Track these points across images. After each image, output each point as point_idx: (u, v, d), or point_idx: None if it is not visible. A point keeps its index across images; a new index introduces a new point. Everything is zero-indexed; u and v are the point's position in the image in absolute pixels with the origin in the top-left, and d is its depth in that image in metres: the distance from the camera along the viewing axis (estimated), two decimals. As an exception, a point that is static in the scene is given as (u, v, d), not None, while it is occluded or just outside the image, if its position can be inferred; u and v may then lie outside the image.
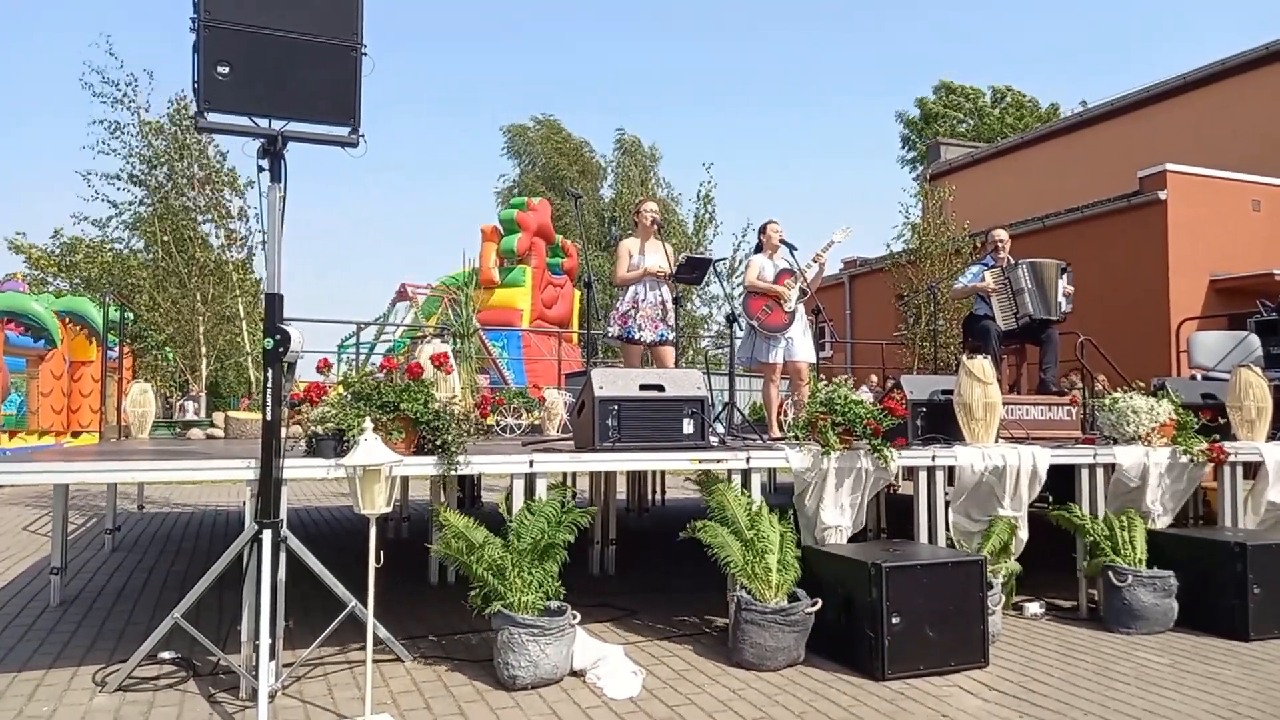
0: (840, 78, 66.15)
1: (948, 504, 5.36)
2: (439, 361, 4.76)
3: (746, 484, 4.88)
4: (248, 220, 17.65)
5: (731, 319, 6.84)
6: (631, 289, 6.57)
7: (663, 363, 6.58)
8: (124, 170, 17.20)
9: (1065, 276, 7.58)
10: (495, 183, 35.13)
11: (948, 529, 5.31)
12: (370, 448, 3.60)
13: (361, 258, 59.49)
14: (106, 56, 18.00)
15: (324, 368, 4.68)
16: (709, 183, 24.49)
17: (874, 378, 14.40)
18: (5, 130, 51.17)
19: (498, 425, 7.12)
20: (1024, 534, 5.37)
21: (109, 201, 17.64)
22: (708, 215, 24.37)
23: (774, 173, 62.48)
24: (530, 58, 60.48)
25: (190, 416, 13.89)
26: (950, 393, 5.59)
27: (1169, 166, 15.54)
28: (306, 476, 4.11)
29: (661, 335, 6.55)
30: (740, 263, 21.57)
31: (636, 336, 6.51)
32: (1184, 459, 5.79)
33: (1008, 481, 5.32)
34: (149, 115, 17.13)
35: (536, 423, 7.65)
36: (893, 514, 6.58)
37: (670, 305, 6.58)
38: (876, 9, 64.27)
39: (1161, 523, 5.75)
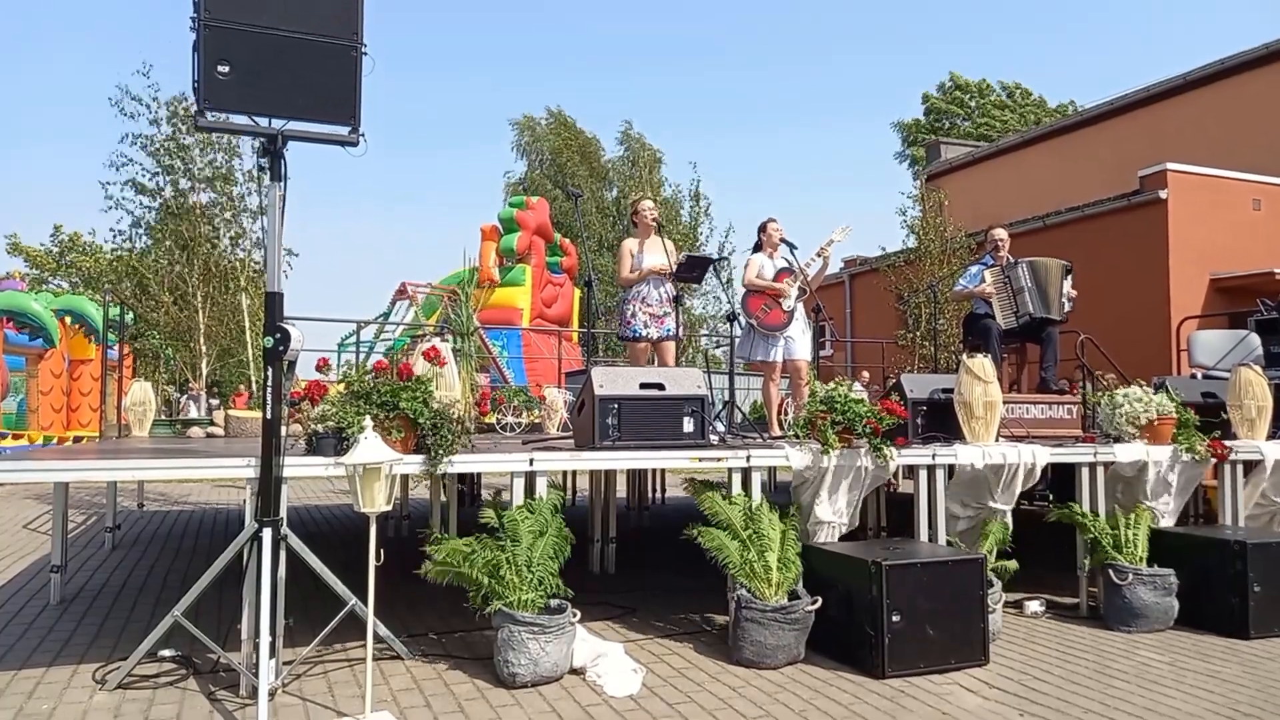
0: (843, 76, 66.08)
1: (947, 500, 5.36)
2: (431, 356, 4.71)
3: (747, 482, 4.87)
4: (256, 218, 17.39)
5: (731, 317, 6.84)
6: (635, 288, 6.61)
7: (664, 359, 6.59)
8: (139, 176, 17.07)
9: (1070, 278, 7.60)
10: (502, 179, 34.87)
11: (947, 526, 5.31)
12: (370, 446, 3.60)
13: (362, 256, 59.47)
14: (138, 77, 17.85)
15: (323, 366, 4.66)
16: (696, 180, 25.07)
17: (866, 374, 14.30)
18: (3, 130, 51.16)
19: (498, 424, 7.11)
20: (1008, 520, 5.41)
21: (127, 210, 17.46)
22: (702, 210, 24.68)
23: (773, 170, 62.47)
24: (538, 45, 60.29)
25: (193, 414, 13.88)
26: (951, 391, 5.59)
27: (1169, 165, 15.51)
28: (306, 475, 4.11)
29: (667, 331, 6.57)
30: (728, 263, 21.76)
31: (642, 334, 6.54)
32: (1185, 456, 5.78)
33: (1004, 476, 5.34)
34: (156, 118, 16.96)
35: (537, 421, 7.63)
36: (893, 512, 6.58)
37: (672, 302, 6.60)
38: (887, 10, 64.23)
39: (1164, 524, 5.74)
